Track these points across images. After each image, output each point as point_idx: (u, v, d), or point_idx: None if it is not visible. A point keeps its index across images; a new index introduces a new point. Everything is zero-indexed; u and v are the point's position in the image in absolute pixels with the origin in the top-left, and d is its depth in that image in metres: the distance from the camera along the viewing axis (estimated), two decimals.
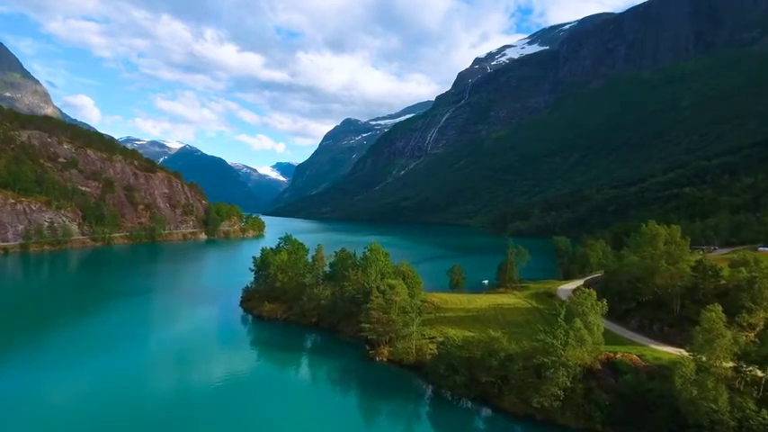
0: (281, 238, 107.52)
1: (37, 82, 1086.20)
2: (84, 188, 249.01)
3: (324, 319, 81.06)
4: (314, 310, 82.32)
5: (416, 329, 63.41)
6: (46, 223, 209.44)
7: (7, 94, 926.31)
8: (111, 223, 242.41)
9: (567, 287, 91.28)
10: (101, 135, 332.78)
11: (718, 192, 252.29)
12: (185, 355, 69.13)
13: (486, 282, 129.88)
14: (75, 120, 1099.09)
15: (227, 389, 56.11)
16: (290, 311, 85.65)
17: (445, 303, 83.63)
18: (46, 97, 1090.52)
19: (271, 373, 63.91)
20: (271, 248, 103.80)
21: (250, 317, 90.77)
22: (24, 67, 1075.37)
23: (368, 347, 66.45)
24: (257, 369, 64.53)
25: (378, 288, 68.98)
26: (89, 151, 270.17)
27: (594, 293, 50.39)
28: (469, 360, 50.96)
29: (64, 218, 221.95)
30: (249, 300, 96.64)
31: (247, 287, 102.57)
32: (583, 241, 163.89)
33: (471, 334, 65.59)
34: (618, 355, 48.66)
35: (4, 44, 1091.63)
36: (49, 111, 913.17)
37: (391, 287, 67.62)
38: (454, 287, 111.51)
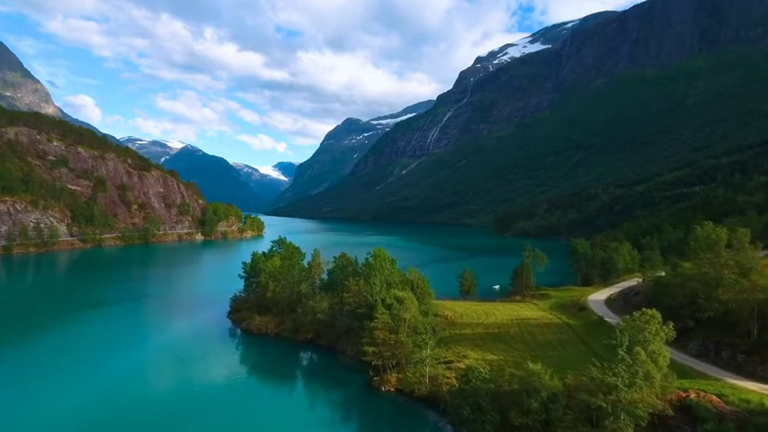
0: (273, 242, 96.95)
1: (37, 81, 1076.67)
2: (74, 187, 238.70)
3: (321, 336, 70.28)
4: (309, 325, 71.54)
5: (430, 353, 52.75)
6: (31, 224, 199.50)
7: (8, 94, 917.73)
8: (102, 224, 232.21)
9: (597, 297, 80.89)
10: (93, 132, 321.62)
11: (732, 191, 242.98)
12: (157, 378, 58.86)
13: (497, 287, 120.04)
14: (77, 119, 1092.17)
15: (204, 424, 46.12)
16: (283, 325, 74.97)
17: (460, 317, 73.03)
18: (46, 97, 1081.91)
19: (257, 404, 53.41)
20: (263, 253, 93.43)
21: (238, 330, 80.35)
22: (25, 66, 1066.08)
23: (372, 373, 55.98)
24: (242, 399, 54.03)
25: (383, 302, 58.72)
26: (80, 149, 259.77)
27: (659, 315, 40.07)
28: (500, 397, 40.68)
29: (51, 218, 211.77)
30: (238, 311, 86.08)
31: (236, 296, 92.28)
32: (599, 243, 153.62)
33: (495, 357, 55.49)
34: (692, 395, 38.36)
35: (5, 44, 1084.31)
36: (49, 110, 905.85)
37: (399, 301, 57.22)
38: (465, 294, 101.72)
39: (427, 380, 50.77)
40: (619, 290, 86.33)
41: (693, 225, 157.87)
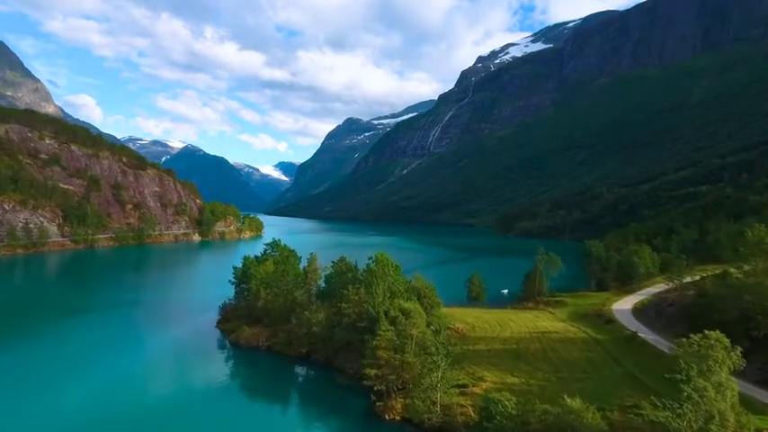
0: (266, 244, 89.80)
1: (38, 81, 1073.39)
2: (66, 186, 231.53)
3: (317, 351, 62.84)
4: (304, 338, 64.18)
5: (443, 376, 45.32)
6: (20, 224, 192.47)
7: (8, 93, 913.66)
8: (96, 224, 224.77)
9: (621, 306, 73.61)
10: (87, 130, 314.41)
11: (741, 190, 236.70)
12: (130, 397, 51.65)
13: (505, 291, 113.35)
14: (78, 119, 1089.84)
15: None
16: (275, 338, 67.73)
17: (472, 330, 65.81)
18: (47, 96, 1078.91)
19: (244, 430, 46.43)
20: (255, 256, 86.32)
21: (227, 342, 73.26)
22: (25, 66, 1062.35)
23: (374, 397, 48.65)
24: (226, 423, 47.03)
25: (386, 314, 51.69)
26: (73, 147, 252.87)
27: (725, 339, 32.99)
28: None
29: (41, 218, 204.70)
30: (227, 320, 78.89)
31: (226, 303, 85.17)
32: (612, 244, 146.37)
33: (516, 380, 48.37)
34: None
35: (6, 43, 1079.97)
36: (50, 110, 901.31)
37: (406, 314, 50.10)
38: (473, 300, 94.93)
39: (438, 408, 43.57)
40: (643, 297, 79.17)
41: (706, 225, 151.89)
